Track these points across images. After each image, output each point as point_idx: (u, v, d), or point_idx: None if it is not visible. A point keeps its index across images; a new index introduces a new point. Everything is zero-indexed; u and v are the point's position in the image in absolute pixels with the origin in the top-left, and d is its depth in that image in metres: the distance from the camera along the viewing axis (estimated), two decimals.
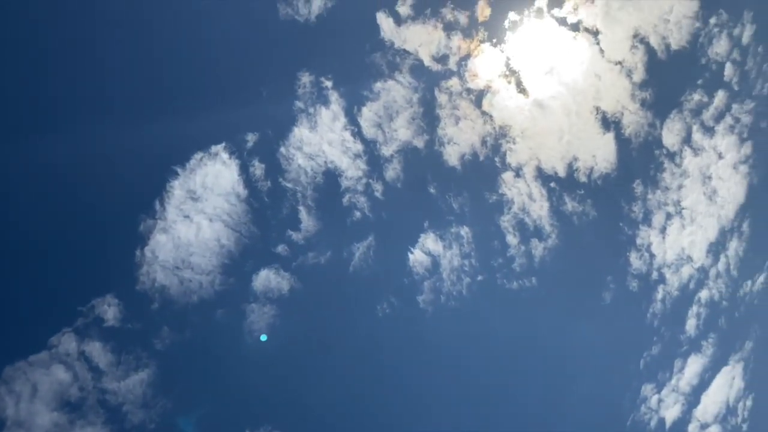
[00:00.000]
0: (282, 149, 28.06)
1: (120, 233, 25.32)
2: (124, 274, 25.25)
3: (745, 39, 34.30)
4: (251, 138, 27.38)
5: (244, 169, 27.25)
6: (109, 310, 24.88)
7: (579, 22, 31.41)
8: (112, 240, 25.18)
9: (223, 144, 26.91)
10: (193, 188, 26.53)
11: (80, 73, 24.72)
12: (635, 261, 34.21)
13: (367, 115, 29.79)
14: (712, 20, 33.41)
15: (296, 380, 28.18)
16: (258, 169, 27.45)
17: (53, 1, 23.83)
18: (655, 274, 34.64)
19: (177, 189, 26.27)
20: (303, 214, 28.11)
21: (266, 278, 27.50)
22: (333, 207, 28.90)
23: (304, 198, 28.22)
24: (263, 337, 27.92)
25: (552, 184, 32.60)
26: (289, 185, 28.06)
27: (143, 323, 25.34)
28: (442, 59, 30.75)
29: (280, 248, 27.76)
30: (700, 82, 34.05)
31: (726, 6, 33.70)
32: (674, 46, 32.85)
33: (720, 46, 33.99)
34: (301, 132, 28.44)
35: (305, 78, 28.30)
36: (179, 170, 26.31)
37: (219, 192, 27.05)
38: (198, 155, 26.56)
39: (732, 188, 35.58)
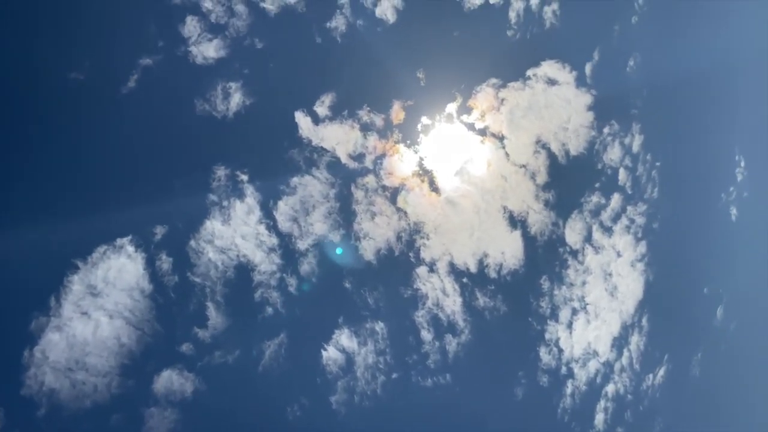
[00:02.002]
0: (192, 242, 27.39)
1: (6, 332, 23.40)
2: (8, 378, 23.20)
3: (635, 148, 37.63)
4: (159, 231, 26.61)
5: (150, 263, 26.26)
6: None
7: (486, 128, 33.56)
8: None
9: (129, 237, 25.97)
10: (93, 283, 25.17)
11: None
12: (545, 356, 35.01)
13: (283, 209, 29.82)
14: (606, 130, 36.56)
15: None
16: (165, 263, 26.54)
17: None
18: (564, 369, 35.48)
19: (76, 284, 24.85)
20: (211, 310, 27.14)
21: (168, 379, 25.94)
22: (244, 303, 28.12)
23: (213, 293, 27.35)
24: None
25: (464, 280, 33.37)
26: (198, 280, 27.19)
27: None
28: (358, 157, 31.67)
29: (185, 347, 26.46)
30: (597, 185, 36.69)
31: (617, 118, 37.08)
32: (573, 152, 35.49)
33: (614, 153, 37.05)
34: (213, 225, 27.97)
35: (220, 171, 28.22)
36: (80, 264, 25.02)
37: (122, 287, 25.77)
38: (101, 248, 25.43)
39: (631, 285, 37.69)
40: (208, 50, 27.47)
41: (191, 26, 26.94)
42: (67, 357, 24.37)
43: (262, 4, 28.36)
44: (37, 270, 24.21)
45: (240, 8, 27.94)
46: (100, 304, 25.28)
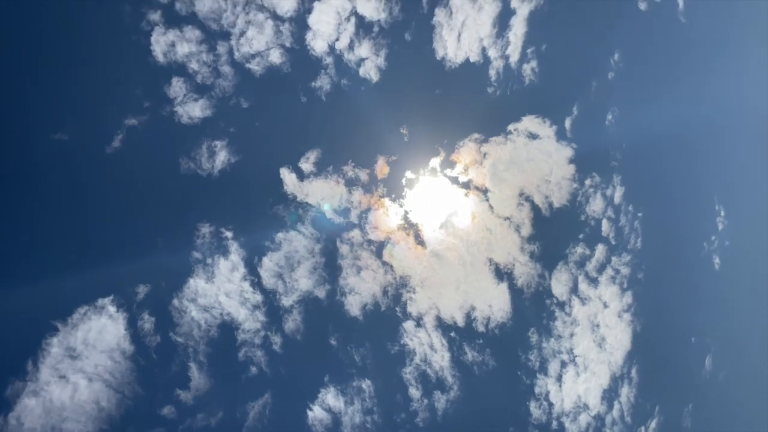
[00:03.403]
0: (175, 301, 27.01)
1: None
2: None
3: (617, 199, 38.13)
4: (142, 290, 26.25)
5: (132, 323, 25.80)
6: None
7: (469, 181, 33.96)
8: None
9: (111, 297, 25.58)
10: (73, 345, 24.59)
11: None
12: (535, 410, 34.43)
13: (268, 265, 29.63)
14: (588, 182, 37.08)
15: None
16: (147, 322, 26.08)
17: None
18: (554, 424, 34.84)
19: (54, 346, 24.26)
20: (194, 371, 26.54)
21: None
22: (227, 362, 27.57)
23: (195, 353, 26.80)
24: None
25: (452, 334, 33.06)
26: (180, 340, 26.68)
27: None
28: (343, 212, 31.77)
29: (167, 410, 25.71)
30: (581, 236, 36.94)
31: (598, 170, 37.69)
32: (556, 204, 35.88)
33: (596, 205, 37.48)
34: (196, 283, 27.67)
35: (205, 229, 28.12)
36: (59, 325, 24.49)
37: (102, 348, 25.20)
38: (82, 309, 24.99)
39: (618, 335, 37.53)
40: (194, 110, 27.81)
41: (177, 87, 27.34)
42: (43, 423, 23.58)
43: (248, 65, 28.93)
44: (14, 333, 23.65)
45: (226, 69, 28.47)
46: (79, 367, 24.65)
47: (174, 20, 26.84)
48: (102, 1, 25.67)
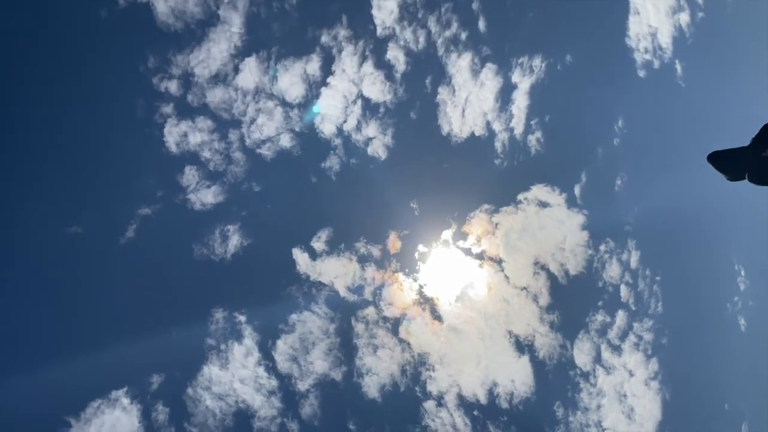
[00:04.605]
0: (189, 390, 26.47)
1: None
2: None
3: (633, 263, 37.61)
4: (156, 380, 25.81)
5: (146, 415, 25.22)
6: None
7: (483, 252, 33.75)
8: None
9: (125, 388, 25.11)
10: None
11: None
12: None
13: (282, 348, 29.15)
14: (602, 247, 36.73)
15: None
16: (161, 414, 25.50)
17: None
18: None
19: None
20: None
21: None
22: None
23: None
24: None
25: (475, 412, 31.91)
26: (195, 431, 25.94)
27: None
28: (357, 289, 31.49)
29: None
30: (600, 303, 36.22)
31: (612, 235, 37.40)
32: (572, 272, 35.41)
33: (613, 270, 36.94)
34: (210, 370, 27.20)
35: (218, 314, 27.90)
36: (72, 421, 23.95)
37: None
38: (95, 403, 24.49)
39: (647, 405, 36.04)
40: (207, 196, 28.22)
41: (190, 175, 27.87)
42: None
43: (259, 150, 29.57)
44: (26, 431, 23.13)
45: (237, 155, 29.09)
46: None
47: (186, 111, 27.69)
48: (116, 98, 26.67)
